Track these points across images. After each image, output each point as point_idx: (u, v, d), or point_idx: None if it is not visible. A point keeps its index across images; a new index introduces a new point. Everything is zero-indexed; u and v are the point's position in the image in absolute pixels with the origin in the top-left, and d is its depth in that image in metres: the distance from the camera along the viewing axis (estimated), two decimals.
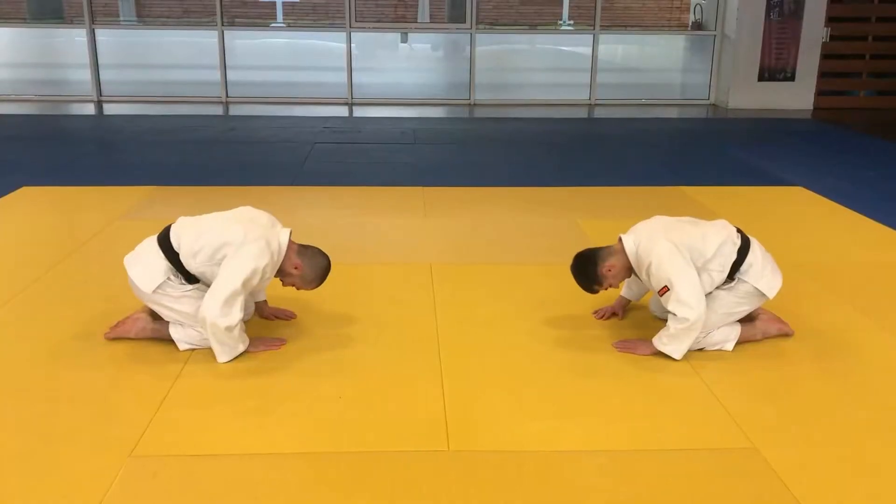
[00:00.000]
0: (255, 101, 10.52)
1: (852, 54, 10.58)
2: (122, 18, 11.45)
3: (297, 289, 3.34)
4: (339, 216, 5.27)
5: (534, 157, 7.41)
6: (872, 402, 2.94)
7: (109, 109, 10.08)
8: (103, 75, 10.53)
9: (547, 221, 5.17)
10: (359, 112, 10.08)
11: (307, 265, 3.26)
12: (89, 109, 10.09)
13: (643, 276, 3.23)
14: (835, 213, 5.44)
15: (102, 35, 10.56)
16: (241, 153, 7.38)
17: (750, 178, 6.49)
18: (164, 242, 3.20)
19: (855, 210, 5.42)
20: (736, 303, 3.26)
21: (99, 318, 3.59)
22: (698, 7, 11.08)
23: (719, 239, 3.22)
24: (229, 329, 3.04)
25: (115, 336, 3.30)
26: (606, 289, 3.32)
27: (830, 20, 10.26)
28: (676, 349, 3.16)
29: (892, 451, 2.62)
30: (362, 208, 5.43)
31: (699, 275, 3.12)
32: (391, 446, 2.61)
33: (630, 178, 6.41)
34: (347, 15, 10.37)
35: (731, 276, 3.24)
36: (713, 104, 10.84)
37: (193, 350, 3.21)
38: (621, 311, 3.61)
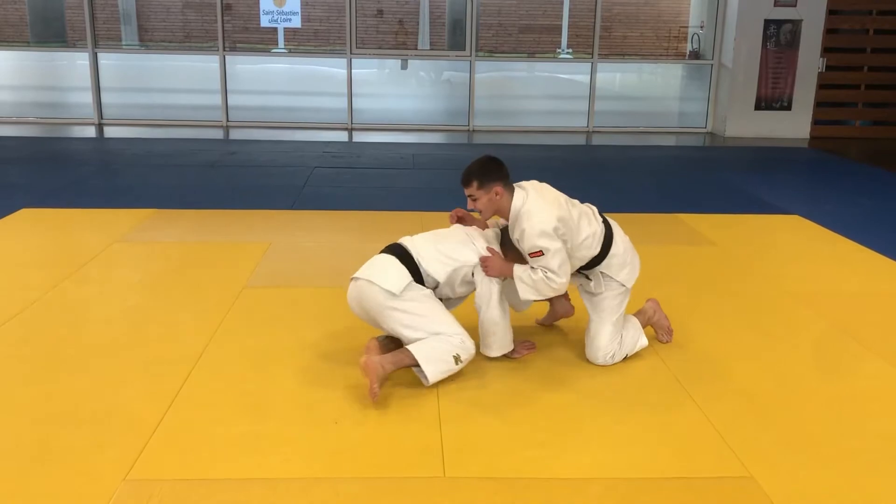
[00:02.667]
0: (256, 126, 10.58)
1: (848, 84, 10.67)
2: (124, 42, 11.54)
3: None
4: (338, 240, 5.29)
5: None
6: (869, 430, 2.94)
7: (110, 132, 10.13)
8: (105, 98, 10.60)
9: None
10: (359, 137, 10.13)
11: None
12: (90, 132, 10.14)
13: (514, 234, 3.24)
14: (831, 242, 5.46)
15: (104, 59, 10.65)
16: (241, 177, 7.41)
17: (747, 206, 6.52)
18: (400, 251, 3.26)
19: (851, 239, 5.45)
20: (619, 305, 3.39)
21: (97, 340, 3.60)
22: (696, 36, 11.20)
23: (589, 231, 3.32)
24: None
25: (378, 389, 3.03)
26: (473, 203, 3.25)
27: (826, 50, 10.37)
28: (531, 293, 3.21)
29: (889, 481, 2.62)
30: (361, 233, 5.45)
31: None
32: (387, 472, 2.60)
33: (627, 206, 6.43)
34: (348, 41, 10.47)
35: (592, 266, 3.35)
36: (710, 132, 10.92)
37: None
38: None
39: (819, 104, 10.56)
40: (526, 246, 3.16)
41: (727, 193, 7.08)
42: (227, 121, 10.64)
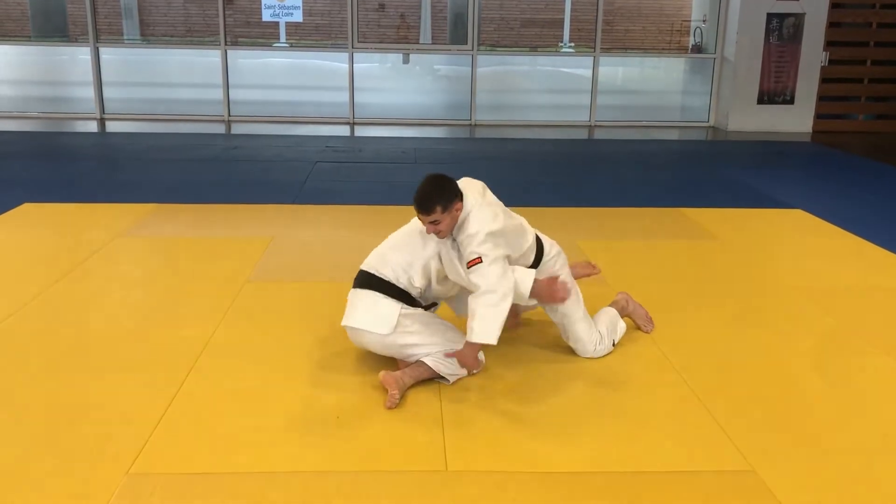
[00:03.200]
0: (258, 120, 10.58)
1: (851, 78, 10.66)
2: (125, 37, 11.54)
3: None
4: (340, 235, 5.28)
5: (534, 177, 7.44)
6: (871, 424, 2.94)
7: (112, 127, 10.13)
8: (106, 93, 10.59)
9: None
10: (360, 132, 10.13)
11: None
12: (92, 127, 10.14)
13: (457, 237, 3.08)
14: (833, 236, 5.45)
15: (106, 53, 10.64)
16: (243, 171, 7.41)
17: (749, 200, 6.51)
18: (376, 281, 3.15)
19: (853, 233, 5.44)
20: (576, 298, 3.36)
21: (99, 335, 3.60)
22: (698, 30, 11.17)
23: (532, 237, 3.29)
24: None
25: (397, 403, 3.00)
26: (435, 227, 3.04)
27: (829, 44, 10.34)
28: (491, 334, 2.98)
29: (891, 474, 2.62)
30: (363, 227, 5.45)
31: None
32: (389, 466, 2.61)
33: (630, 200, 6.44)
34: (350, 35, 10.45)
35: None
36: (713, 127, 10.90)
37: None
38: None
39: (822, 98, 10.54)
40: (466, 251, 3.02)
41: (729, 188, 7.07)
42: (229, 115, 10.64)
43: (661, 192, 6.80)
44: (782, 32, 10.20)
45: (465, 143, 9.65)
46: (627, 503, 2.44)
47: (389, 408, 2.95)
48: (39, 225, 5.45)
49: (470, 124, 10.76)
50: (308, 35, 11.59)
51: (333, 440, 2.76)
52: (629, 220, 5.76)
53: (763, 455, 2.70)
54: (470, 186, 3.18)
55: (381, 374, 3.05)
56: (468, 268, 3.01)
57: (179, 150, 8.37)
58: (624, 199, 6.46)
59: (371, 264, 3.22)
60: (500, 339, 3.57)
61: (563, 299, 3.22)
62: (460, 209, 3.06)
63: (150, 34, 11.79)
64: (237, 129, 10.18)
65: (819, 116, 10.57)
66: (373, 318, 3.12)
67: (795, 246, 5.28)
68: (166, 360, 3.32)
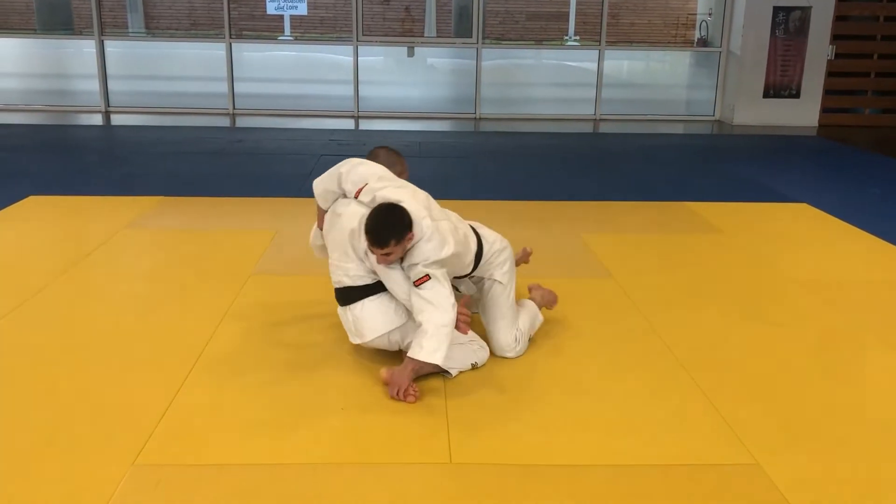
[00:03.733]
0: (262, 114, 10.57)
1: (857, 72, 10.61)
2: (130, 30, 11.52)
3: None
4: None
5: (539, 171, 7.43)
6: (876, 418, 2.94)
7: (117, 120, 10.14)
8: (111, 86, 10.60)
9: (551, 235, 5.18)
10: (365, 125, 10.12)
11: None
12: (97, 120, 10.15)
13: (404, 261, 3.06)
14: (839, 230, 5.44)
15: (111, 46, 10.65)
16: (248, 165, 7.41)
17: (754, 194, 6.50)
18: (356, 291, 3.15)
19: (859, 227, 5.42)
20: (508, 295, 3.37)
21: (104, 327, 3.61)
22: (704, 24, 11.13)
23: (474, 245, 3.29)
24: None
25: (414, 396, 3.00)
26: (386, 258, 2.97)
27: (836, 38, 10.30)
28: (442, 354, 2.94)
29: (895, 468, 2.62)
30: None
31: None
32: (393, 458, 2.61)
33: (635, 194, 6.43)
34: (355, 29, 10.44)
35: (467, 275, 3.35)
36: (718, 120, 10.87)
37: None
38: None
39: (828, 92, 10.49)
40: (412, 273, 2.99)
41: (735, 181, 7.05)
42: (234, 109, 10.64)
43: (665, 186, 6.79)
44: (788, 26, 10.16)
45: (470, 137, 9.63)
46: (631, 496, 2.44)
47: (412, 402, 2.94)
48: (44, 217, 5.46)
49: (474, 118, 10.74)
50: (313, 28, 11.56)
51: (338, 433, 2.76)
52: (634, 214, 5.75)
53: (767, 448, 2.70)
54: (416, 205, 3.06)
55: (383, 371, 3.05)
56: (416, 286, 2.98)
57: (184, 144, 8.37)
58: (628, 193, 6.45)
59: (343, 280, 3.17)
60: None
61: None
62: (412, 238, 3.00)
63: (155, 27, 11.76)
64: (242, 122, 10.18)
65: (825, 110, 10.53)
66: (386, 319, 3.13)
67: (800, 240, 5.27)
68: (171, 351, 3.33)
